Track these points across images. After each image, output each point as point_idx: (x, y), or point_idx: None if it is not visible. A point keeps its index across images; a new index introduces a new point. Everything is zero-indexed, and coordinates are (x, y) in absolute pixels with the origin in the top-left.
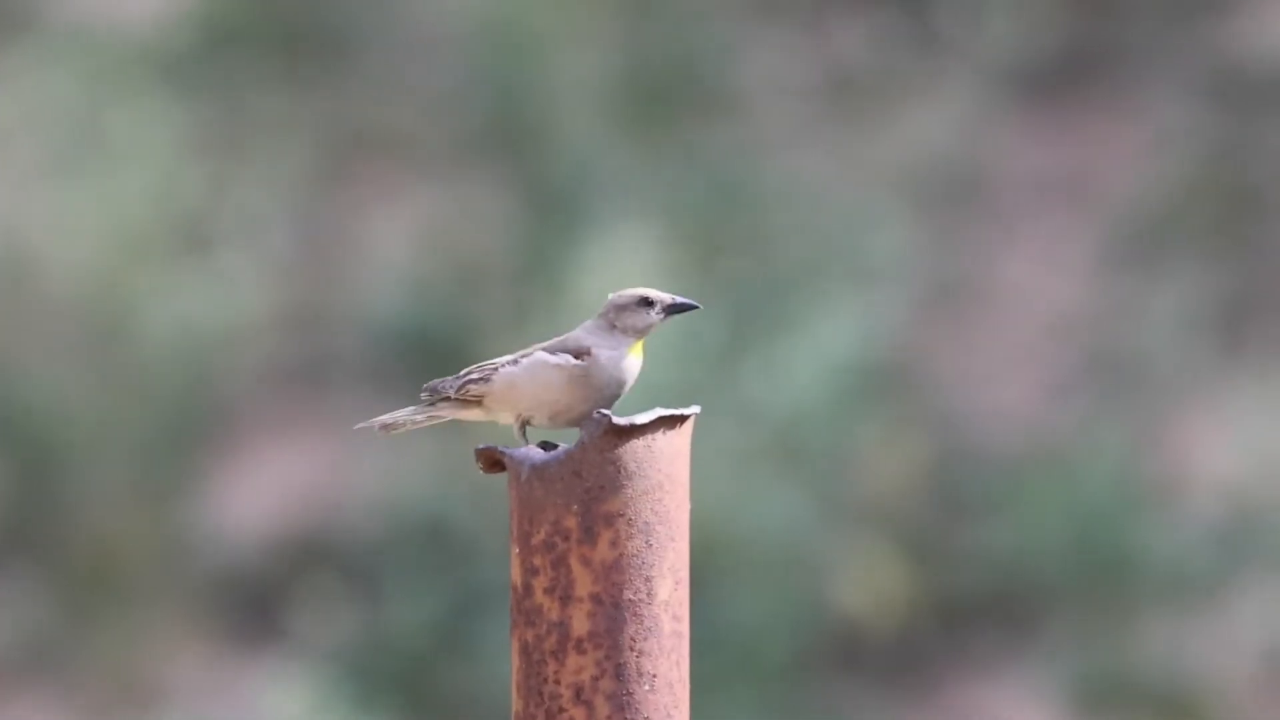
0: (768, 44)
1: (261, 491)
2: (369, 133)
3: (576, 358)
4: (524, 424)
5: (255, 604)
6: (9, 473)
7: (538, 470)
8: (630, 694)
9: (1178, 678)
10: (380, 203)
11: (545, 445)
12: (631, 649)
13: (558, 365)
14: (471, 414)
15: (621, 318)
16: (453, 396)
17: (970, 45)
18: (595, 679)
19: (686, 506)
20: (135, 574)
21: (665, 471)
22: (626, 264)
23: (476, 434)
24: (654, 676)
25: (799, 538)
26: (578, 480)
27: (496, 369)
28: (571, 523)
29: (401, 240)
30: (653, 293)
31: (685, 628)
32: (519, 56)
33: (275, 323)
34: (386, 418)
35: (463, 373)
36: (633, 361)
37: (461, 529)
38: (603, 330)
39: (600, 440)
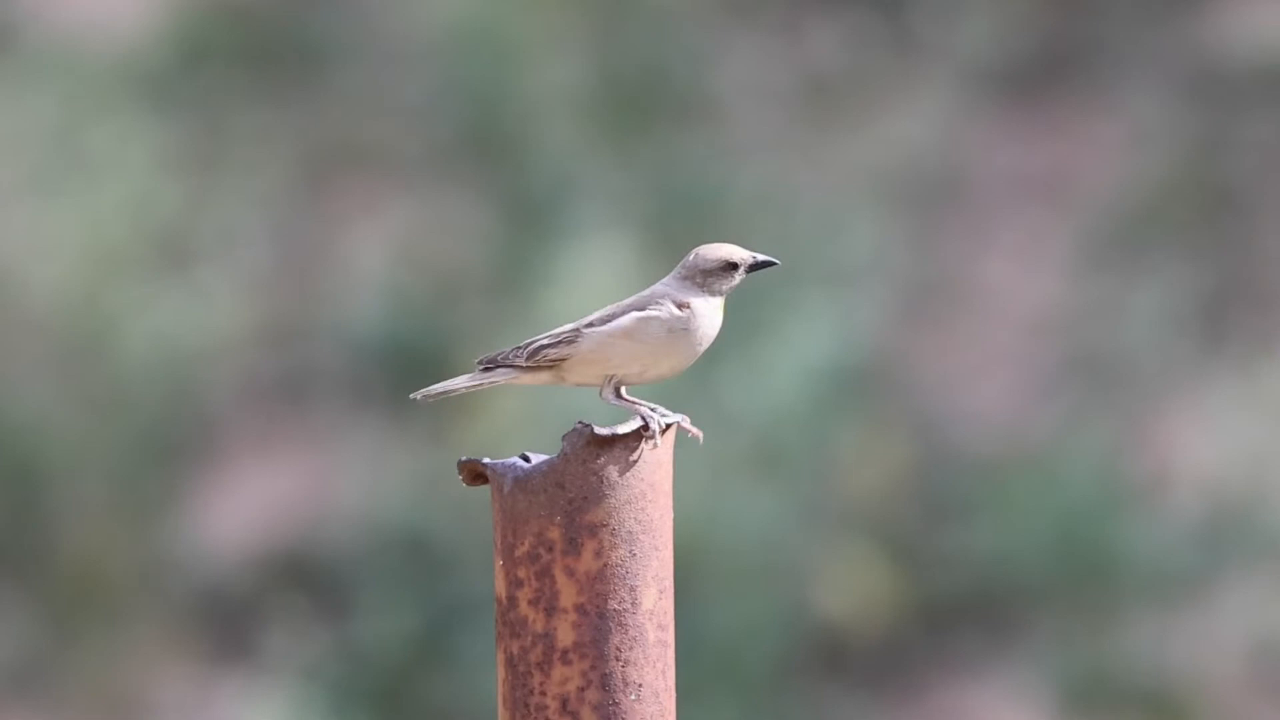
0: (743, 48)
1: (242, 507)
2: (346, 146)
3: (680, 308)
4: (617, 384)
5: (237, 620)
6: None
7: (520, 482)
8: (617, 704)
9: (1162, 676)
10: (358, 215)
11: (526, 456)
12: (617, 659)
13: (658, 317)
14: (538, 378)
15: (707, 281)
16: (523, 365)
17: (946, 45)
18: (581, 690)
19: (669, 515)
20: (117, 591)
21: (648, 480)
22: (603, 272)
23: (458, 448)
24: (640, 686)
25: (781, 543)
26: (560, 491)
27: (579, 331)
28: (555, 534)
29: (379, 253)
30: (737, 254)
31: (670, 636)
32: (494, 66)
33: (254, 337)
34: (441, 386)
35: (526, 343)
36: (720, 317)
37: (442, 543)
38: (687, 287)
39: (582, 451)
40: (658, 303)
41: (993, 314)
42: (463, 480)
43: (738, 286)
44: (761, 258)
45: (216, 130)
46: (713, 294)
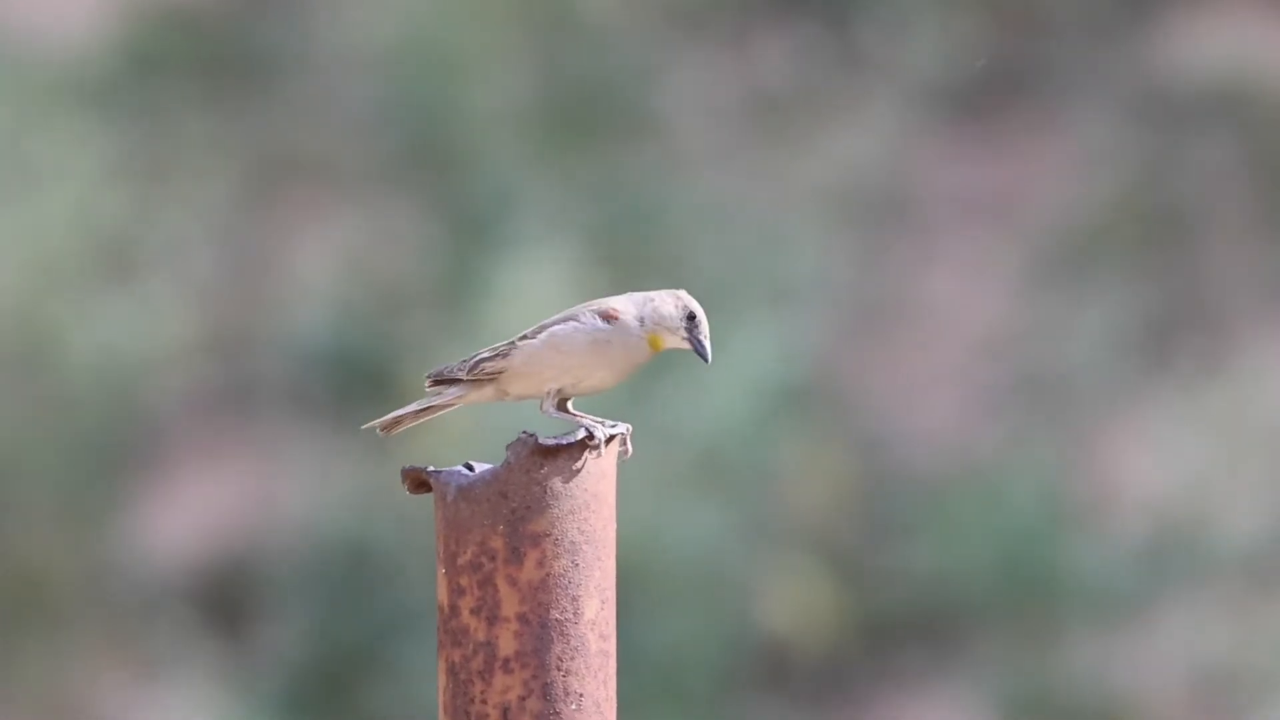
0: (688, 63)
1: (186, 516)
2: (292, 157)
3: (605, 320)
4: (557, 397)
5: (178, 629)
6: None
7: (464, 491)
8: (558, 713)
9: (1104, 695)
10: (304, 226)
11: (469, 466)
12: (558, 668)
13: (580, 328)
14: (483, 394)
15: (662, 305)
16: (464, 378)
17: (894, 63)
18: (522, 699)
19: (613, 526)
20: (59, 599)
21: (591, 491)
22: (546, 285)
23: (402, 458)
24: (581, 696)
25: (724, 558)
26: (504, 501)
27: (513, 344)
28: (498, 543)
29: (325, 264)
30: (700, 315)
31: (612, 646)
32: (438, 80)
33: (200, 347)
34: (391, 416)
35: (470, 356)
36: (647, 344)
37: (383, 552)
38: (638, 308)
39: (526, 460)
40: (585, 314)
41: (938, 332)
42: (406, 489)
43: (667, 342)
44: (705, 344)
45: (164, 139)
46: (650, 320)
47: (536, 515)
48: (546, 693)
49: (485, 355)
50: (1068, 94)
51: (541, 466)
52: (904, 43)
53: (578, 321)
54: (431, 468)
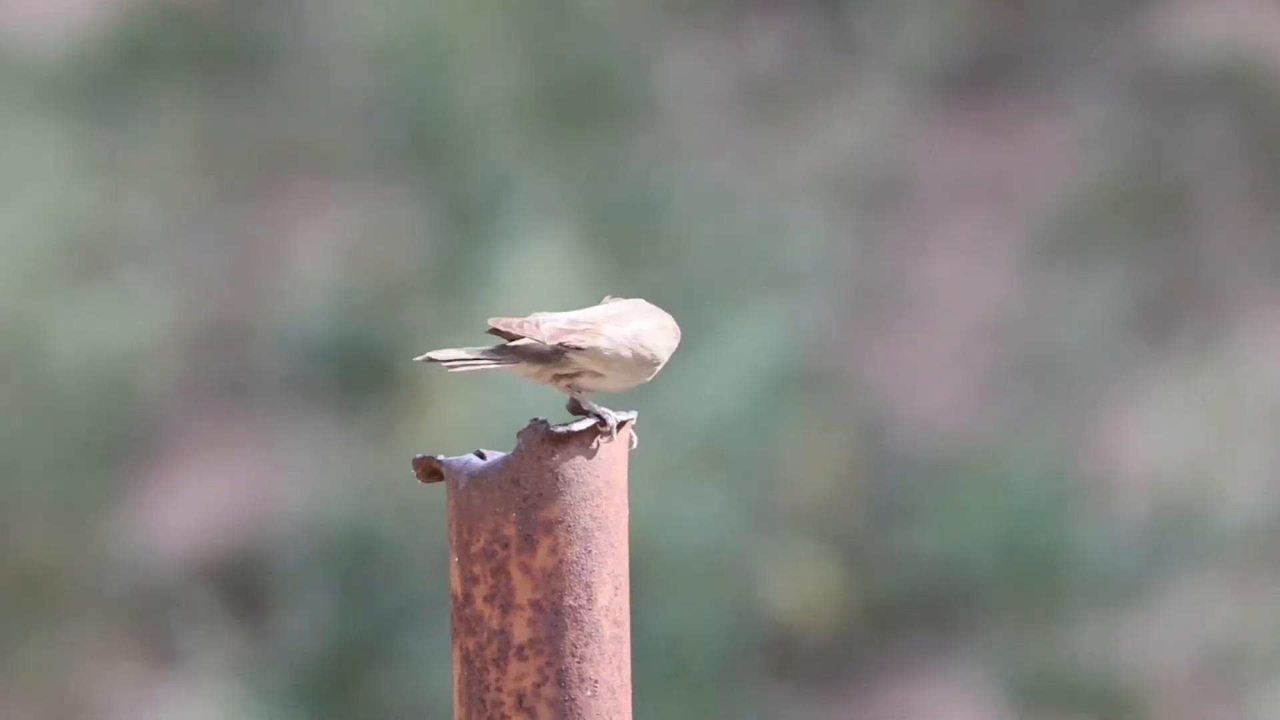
0: (685, 51)
1: (185, 508)
2: (289, 148)
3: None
4: (581, 389)
5: (179, 621)
6: None
7: (475, 479)
8: (573, 700)
9: (1111, 676)
10: (302, 218)
11: (481, 453)
12: (573, 655)
13: (668, 329)
14: (534, 369)
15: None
16: (546, 345)
17: (890, 46)
18: (537, 686)
19: (625, 512)
20: (65, 595)
21: (603, 478)
22: (544, 274)
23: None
24: (595, 682)
25: (728, 543)
26: (516, 488)
27: (597, 326)
28: (510, 530)
29: (324, 255)
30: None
31: (626, 633)
32: (433, 70)
33: (198, 338)
34: (455, 356)
35: (549, 326)
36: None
37: (393, 541)
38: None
39: (538, 448)
40: (671, 330)
41: (938, 315)
42: (417, 477)
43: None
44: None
45: (160, 132)
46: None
47: (549, 502)
48: (561, 679)
49: (568, 326)
50: (1064, 75)
51: (553, 454)
52: (900, 26)
53: (659, 330)
54: (443, 456)
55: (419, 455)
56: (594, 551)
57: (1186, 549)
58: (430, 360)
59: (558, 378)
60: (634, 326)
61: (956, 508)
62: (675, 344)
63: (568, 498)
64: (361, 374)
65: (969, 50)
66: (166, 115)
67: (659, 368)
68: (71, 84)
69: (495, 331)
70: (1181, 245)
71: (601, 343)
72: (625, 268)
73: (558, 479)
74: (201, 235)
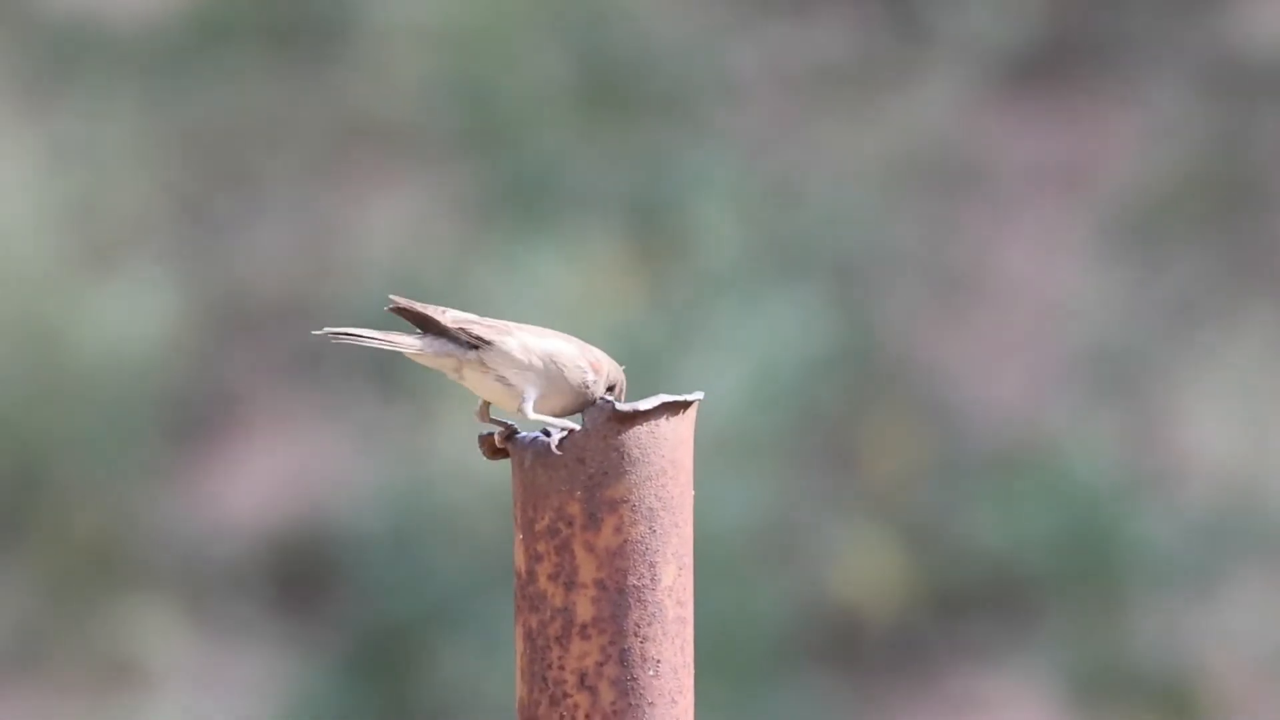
0: (752, 36)
1: (250, 483)
2: (356, 126)
3: (593, 370)
4: (487, 405)
5: (251, 596)
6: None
7: (541, 457)
8: (635, 679)
9: (1174, 666)
10: (370, 194)
11: (546, 431)
12: (636, 634)
13: (578, 364)
14: (445, 361)
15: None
16: (447, 326)
17: (962, 32)
18: (599, 664)
19: (690, 492)
20: (120, 569)
21: (669, 458)
22: (600, 260)
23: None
24: (658, 662)
25: (796, 528)
26: (581, 467)
27: (509, 329)
28: (575, 509)
29: (388, 230)
30: (611, 384)
31: (689, 613)
32: (489, 51)
33: (264, 314)
34: (348, 332)
35: (455, 314)
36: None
37: (452, 518)
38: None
39: (604, 426)
40: (582, 359)
41: (1009, 303)
42: (483, 454)
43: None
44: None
45: (234, 108)
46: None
47: (614, 481)
48: (624, 659)
49: (476, 319)
50: (1139, 63)
51: (619, 433)
52: (972, 12)
53: (578, 358)
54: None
55: (484, 432)
56: (658, 531)
57: (1253, 541)
58: (331, 335)
59: (470, 368)
60: (553, 345)
61: (1023, 496)
62: (593, 378)
63: (633, 477)
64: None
65: (1041, 37)
66: (240, 92)
67: (590, 394)
68: (144, 60)
69: (397, 311)
70: (1253, 236)
71: (512, 344)
72: (688, 253)
73: (623, 458)
74: (269, 210)
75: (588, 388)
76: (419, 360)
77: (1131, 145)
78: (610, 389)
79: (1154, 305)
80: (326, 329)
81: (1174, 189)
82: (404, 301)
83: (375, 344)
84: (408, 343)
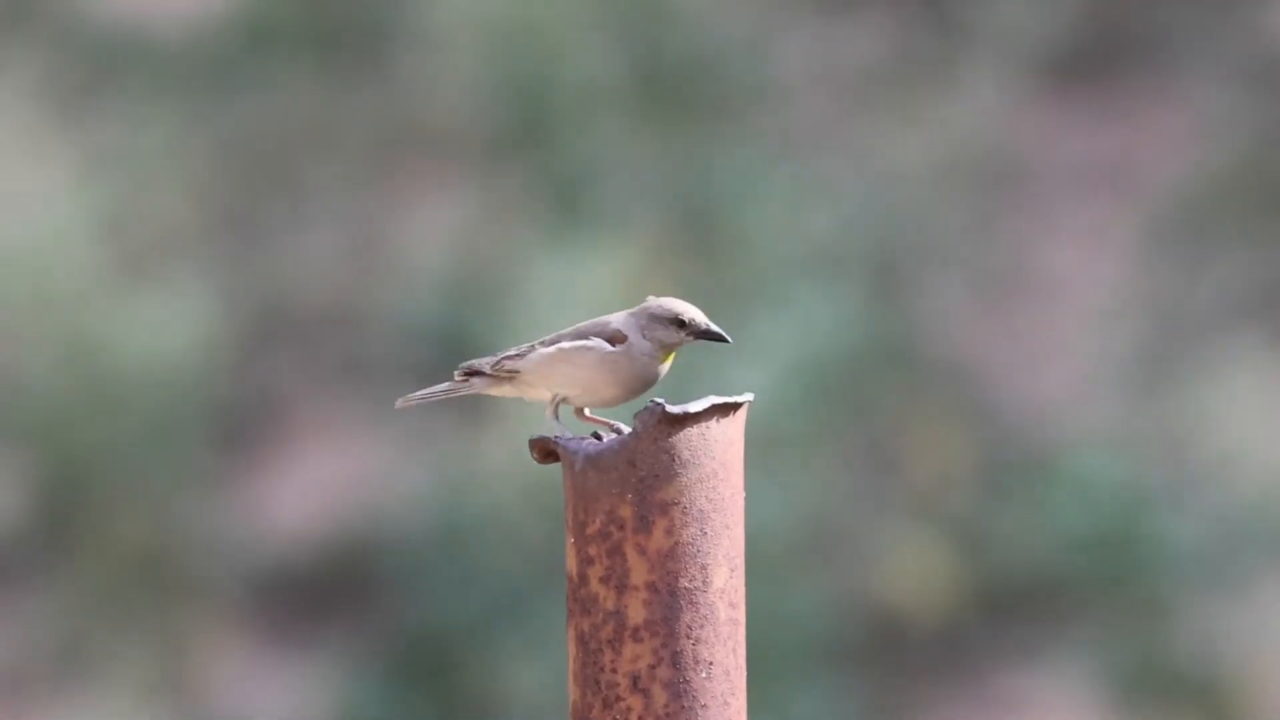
0: (797, 36)
1: (300, 490)
2: (402, 134)
3: (611, 343)
4: (557, 403)
5: (298, 603)
6: (49, 473)
7: (592, 460)
8: (687, 682)
9: (1217, 666)
10: (417, 202)
11: (597, 435)
12: (688, 637)
13: (589, 347)
14: (503, 390)
15: (651, 328)
16: (488, 372)
17: (1007, 31)
18: (652, 667)
19: (740, 494)
20: (177, 575)
21: (719, 459)
22: (645, 260)
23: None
24: (710, 664)
25: (840, 527)
26: (632, 469)
27: (532, 347)
28: (626, 511)
29: (436, 237)
30: (688, 314)
31: (741, 615)
32: (537, 53)
33: (318, 320)
34: (421, 393)
35: (500, 354)
36: (661, 366)
37: (506, 523)
38: (634, 328)
39: (654, 429)
40: (595, 335)
41: (1056, 301)
42: (535, 458)
43: (683, 346)
44: (713, 329)
45: (279, 114)
46: (653, 342)
47: (665, 484)
48: (676, 661)
49: (510, 353)
50: (1184, 61)
51: (669, 435)
52: (1017, 10)
53: (587, 341)
54: (559, 437)
55: (535, 436)
56: (709, 533)
57: None
58: (406, 401)
59: (521, 392)
60: (560, 345)
61: (1064, 496)
62: (610, 347)
63: (684, 479)
64: (473, 357)
65: (1083, 35)
66: (286, 99)
67: (629, 375)
68: (188, 67)
69: (468, 373)
70: None
71: (524, 365)
72: (736, 253)
73: (674, 460)
74: (315, 217)
75: (642, 353)
76: (487, 393)
77: (1175, 143)
78: (680, 324)
79: (1203, 302)
80: (399, 401)
81: (1218, 188)
82: (467, 365)
83: (446, 395)
84: (471, 384)
